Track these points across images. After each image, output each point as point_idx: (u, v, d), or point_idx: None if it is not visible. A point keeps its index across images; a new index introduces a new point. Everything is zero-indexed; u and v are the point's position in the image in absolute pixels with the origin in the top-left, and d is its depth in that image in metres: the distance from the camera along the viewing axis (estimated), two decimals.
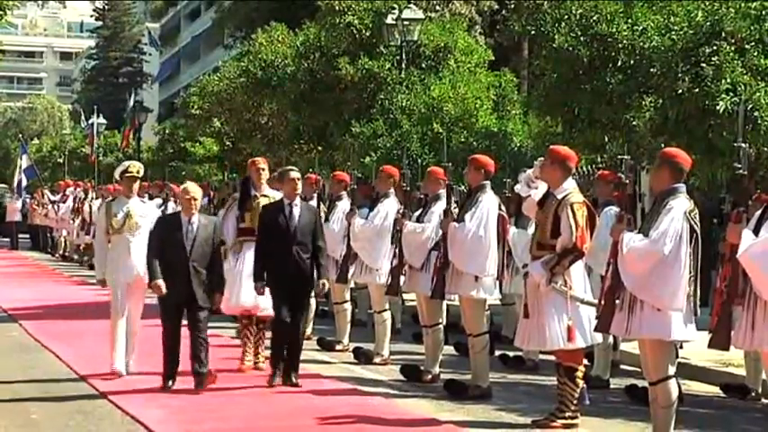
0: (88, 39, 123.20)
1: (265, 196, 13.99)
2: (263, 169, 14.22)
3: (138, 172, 13.63)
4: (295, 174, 13.13)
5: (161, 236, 12.71)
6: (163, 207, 25.08)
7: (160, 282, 12.49)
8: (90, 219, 32.19)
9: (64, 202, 37.73)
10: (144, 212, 13.73)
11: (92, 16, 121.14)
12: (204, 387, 12.41)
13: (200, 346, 12.54)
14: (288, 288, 12.77)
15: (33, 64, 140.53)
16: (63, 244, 38.38)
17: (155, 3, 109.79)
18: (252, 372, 13.72)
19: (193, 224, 12.58)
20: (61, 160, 64.31)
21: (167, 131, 53.21)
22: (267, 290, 13.00)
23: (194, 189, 12.91)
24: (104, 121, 60.41)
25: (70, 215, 35.87)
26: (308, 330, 15.80)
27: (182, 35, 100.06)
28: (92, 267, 31.57)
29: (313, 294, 14.58)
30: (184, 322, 12.68)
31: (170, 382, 12.51)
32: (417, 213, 13.59)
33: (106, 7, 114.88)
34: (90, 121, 60.70)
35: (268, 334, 13.66)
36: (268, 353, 13.47)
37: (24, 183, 48.88)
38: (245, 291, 13.68)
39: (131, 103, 54.27)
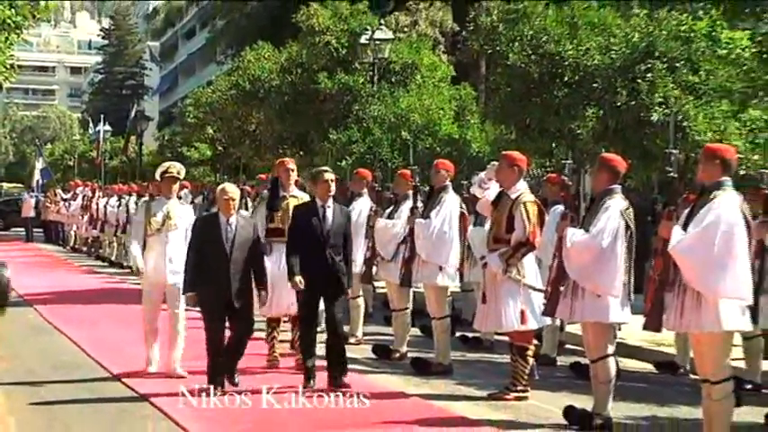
0: (96, 55, 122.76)
1: (294, 197, 12.54)
2: (293, 170, 12.75)
3: (178, 173, 12.18)
4: (329, 175, 11.38)
5: (200, 237, 11.13)
6: (139, 203, 25.16)
7: (193, 294, 11.03)
8: (97, 215, 32.13)
9: (74, 200, 37.64)
10: (182, 214, 12.29)
11: (99, 35, 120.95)
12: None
13: (240, 349, 11.14)
14: (319, 290, 11.16)
15: (47, 77, 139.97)
16: (73, 237, 38.24)
17: (155, 23, 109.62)
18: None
19: (232, 224, 11.00)
20: (71, 163, 64.22)
21: (166, 138, 53.27)
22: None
23: (232, 189, 11.27)
24: (110, 129, 60.25)
25: (79, 212, 35.74)
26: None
27: (179, 52, 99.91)
28: (99, 258, 31.74)
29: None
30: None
31: (217, 387, 10.74)
32: (388, 211, 13.62)
33: (112, 27, 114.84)
34: (97, 129, 60.56)
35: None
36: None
37: (41, 183, 49.13)
38: (280, 294, 12.16)
39: (134, 112, 53.94)
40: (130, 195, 29.18)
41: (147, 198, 24.58)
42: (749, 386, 11.27)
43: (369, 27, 26.54)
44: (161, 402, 10.49)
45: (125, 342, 14.35)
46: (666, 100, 16.43)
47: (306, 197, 12.54)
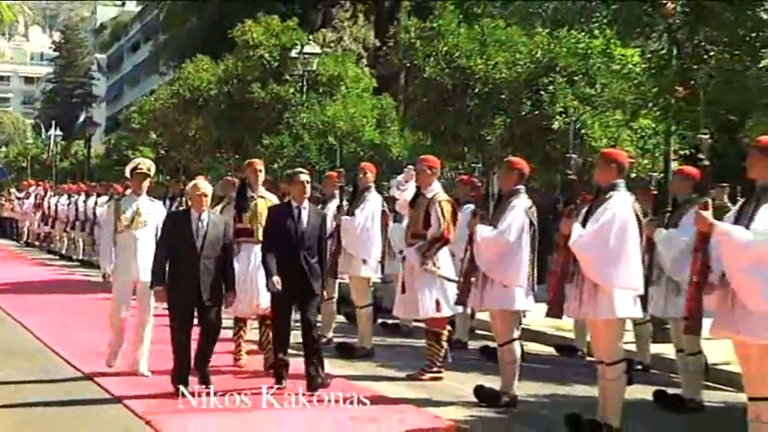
0: (47, 66, 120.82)
1: (262, 197, 11.42)
2: (261, 170, 11.57)
3: (148, 169, 11.05)
4: (305, 176, 10.29)
5: (170, 233, 10.03)
6: (108, 203, 24.84)
7: (162, 289, 9.92)
8: (48, 212, 31.70)
9: (27, 199, 37.16)
10: (151, 210, 11.02)
11: (50, 48, 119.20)
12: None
13: (211, 347, 10.04)
14: (294, 292, 9.99)
15: (2, 86, 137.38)
16: (26, 233, 37.72)
17: (102, 37, 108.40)
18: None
19: (203, 221, 9.89)
20: (25, 165, 63.08)
21: (112, 142, 52.69)
22: (263, 288, 10.50)
23: (204, 185, 10.20)
24: (60, 133, 59.43)
25: (32, 209, 35.29)
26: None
27: (124, 64, 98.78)
28: (50, 252, 31.27)
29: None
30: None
31: (182, 387, 9.59)
32: (318, 207, 13.56)
33: (62, 41, 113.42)
34: (48, 133, 59.81)
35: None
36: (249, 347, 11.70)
37: None
38: (250, 294, 10.97)
39: (83, 118, 53.39)
40: (79, 194, 28.80)
41: (113, 197, 24.40)
42: (639, 367, 11.38)
43: (298, 42, 26.70)
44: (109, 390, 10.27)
45: (73, 329, 14.20)
46: (566, 110, 16.56)
47: (274, 198, 11.66)
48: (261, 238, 10.69)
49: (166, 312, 10.02)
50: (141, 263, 10.72)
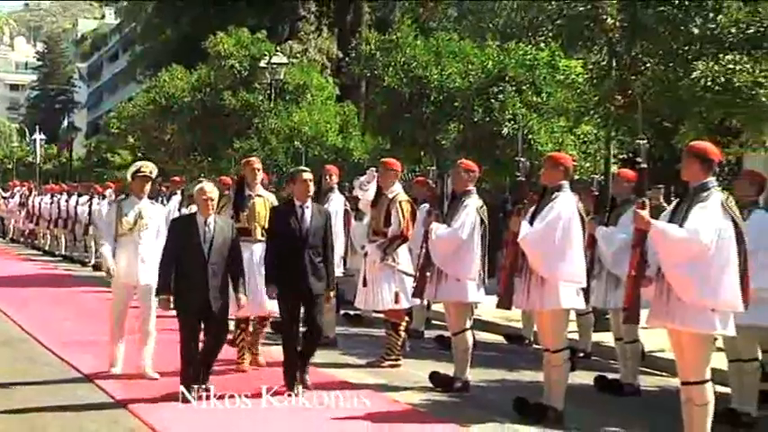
0: (32, 74, 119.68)
1: (260, 196, 10.66)
2: (259, 169, 10.79)
3: (150, 172, 10.13)
4: (307, 175, 9.46)
5: (177, 239, 9.13)
6: (89, 202, 24.65)
7: (167, 297, 9.08)
8: (33, 210, 31.34)
9: (12, 198, 36.79)
10: (153, 214, 10.18)
11: (34, 57, 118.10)
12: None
13: (215, 353, 9.22)
14: (300, 293, 9.22)
15: None
16: (12, 230, 37.39)
17: (83, 47, 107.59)
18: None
19: (210, 225, 9.01)
20: (10, 166, 62.71)
21: (93, 145, 52.51)
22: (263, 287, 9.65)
23: (211, 189, 9.23)
24: (44, 137, 59.08)
25: (17, 208, 34.93)
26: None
27: (104, 73, 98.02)
28: (34, 247, 30.95)
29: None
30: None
31: (191, 393, 8.79)
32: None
33: (45, 51, 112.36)
34: (33, 137, 59.41)
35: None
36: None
37: None
38: (253, 295, 9.88)
39: (65, 123, 52.97)
40: (61, 194, 28.57)
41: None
42: (581, 354, 11.43)
43: (266, 53, 26.66)
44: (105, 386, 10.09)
45: (57, 318, 14.15)
46: (515, 117, 16.61)
47: (271, 197, 10.99)
48: (259, 237, 10.28)
49: (165, 314, 9.39)
50: (143, 266, 9.90)
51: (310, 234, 9.27)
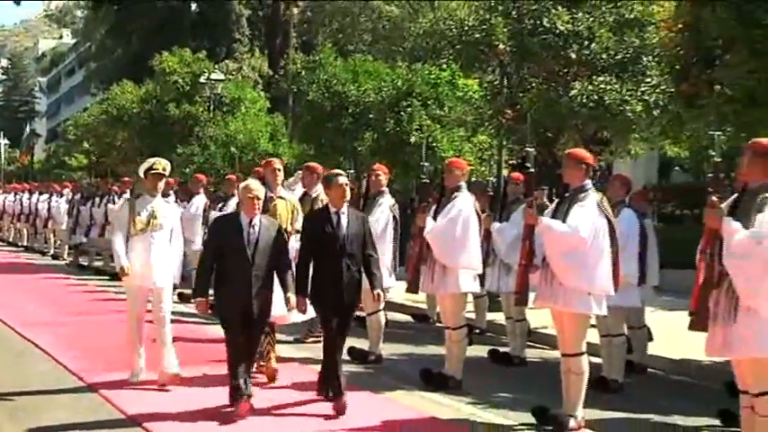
0: None
1: (281, 198, 8.88)
2: (280, 170, 8.98)
3: (164, 169, 8.24)
4: (343, 179, 7.54)
5: (218, 239, 7.36)
6: (48, 199, 24.06)
7: (203, 299, 7.33)
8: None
9: None
10: (167, 213, 8.38)
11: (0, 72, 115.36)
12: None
13: (251, 360, 7.50)
14: (337, 303, 7.30)
15: None
16: None
17: (43, 64, 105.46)
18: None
19: (255, 226, 7.24)
20: None
21: (52, 150, 51.48)
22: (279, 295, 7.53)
23: (257, 186, 7.45)
24: (8, 143, 57.77)
25: None
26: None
27: (62, 86, 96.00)
28: (9, 244, 29.83)
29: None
30: None
31: (240, 403, 7.14)
32: (220, 206, 13.31)
33: (9, 66, 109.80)
34: None
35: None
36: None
37: None
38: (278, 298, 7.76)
39: (27, 130, 51.75)
40: (23, 192, 27.89)
41: (53, 194, 23.62)
42: (477, 331, 11.47)
43: (206, 70, 26.85)
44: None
45: (23, 302, 13.80)
46: (421, 127, 16.65)
47: (293, 198, 9.31)
48: None
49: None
50: (157, 267, 8.18)
51: (347, 242, 7.37)
